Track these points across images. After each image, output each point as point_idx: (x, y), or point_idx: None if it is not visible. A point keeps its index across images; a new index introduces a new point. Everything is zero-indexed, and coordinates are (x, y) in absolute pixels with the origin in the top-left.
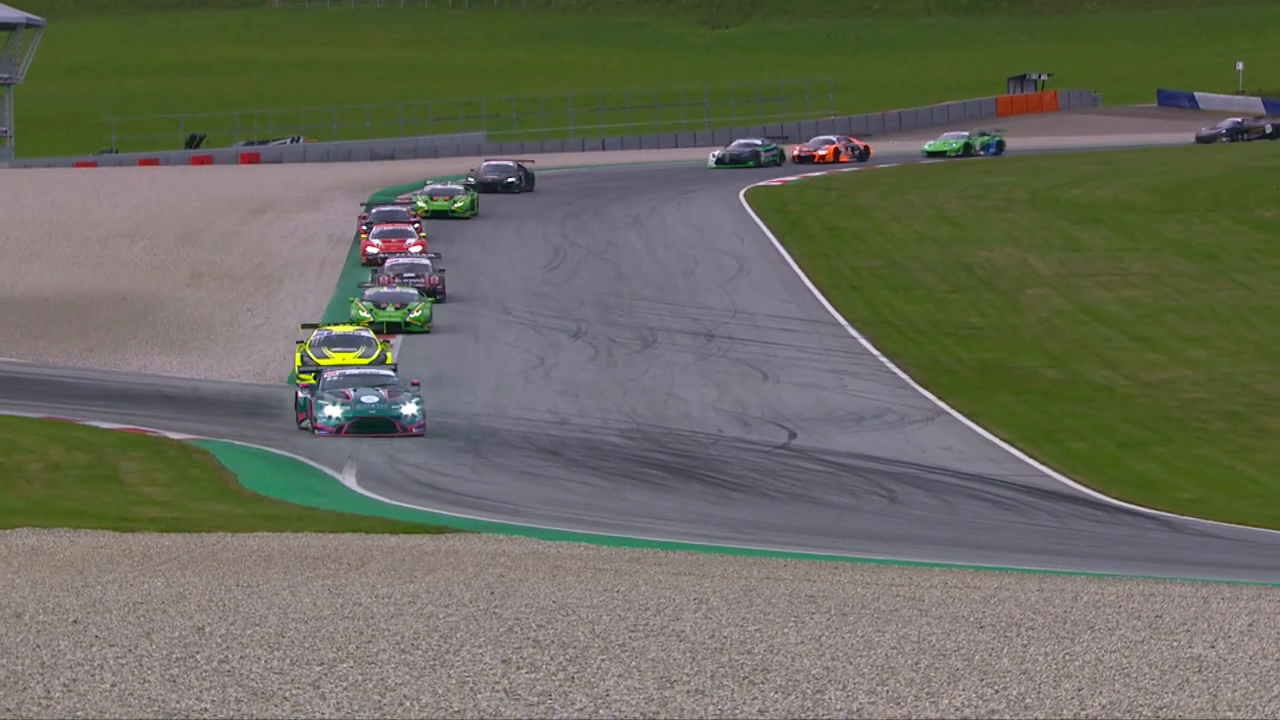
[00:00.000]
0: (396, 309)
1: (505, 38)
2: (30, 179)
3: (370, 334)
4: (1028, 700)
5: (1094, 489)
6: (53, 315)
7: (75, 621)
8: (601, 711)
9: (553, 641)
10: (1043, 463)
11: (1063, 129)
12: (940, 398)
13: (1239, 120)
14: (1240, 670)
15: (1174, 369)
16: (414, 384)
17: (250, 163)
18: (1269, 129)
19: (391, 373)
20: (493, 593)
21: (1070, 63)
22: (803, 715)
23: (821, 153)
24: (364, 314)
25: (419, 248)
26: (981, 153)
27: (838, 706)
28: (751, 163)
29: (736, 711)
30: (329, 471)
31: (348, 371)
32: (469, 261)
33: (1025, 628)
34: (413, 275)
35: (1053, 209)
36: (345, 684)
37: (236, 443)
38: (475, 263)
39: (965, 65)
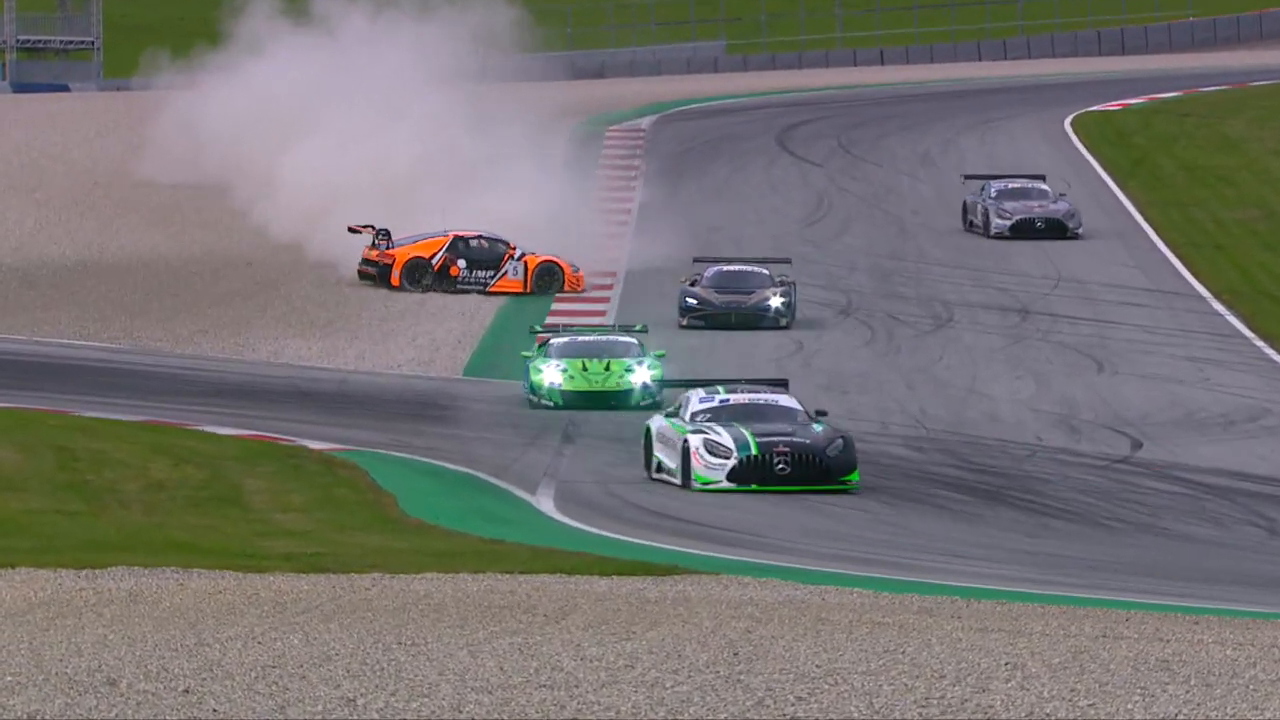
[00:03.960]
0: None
1: None
2: (125, 105)
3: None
4: None
5: None
6: (154, 286)
7: (186, 691)
8: None
9: None
10: None
11: None
12: None
13: None
14: None
15: None
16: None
17: None
18: None
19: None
20: (737, 654)
21: None
22: None
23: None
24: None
25: None
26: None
27: None
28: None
29: None
30: (518, 493)
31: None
32: (701, 212)
33: None
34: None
35: None
36: None
37: (396, 454)
38: (710, 215)
39: None
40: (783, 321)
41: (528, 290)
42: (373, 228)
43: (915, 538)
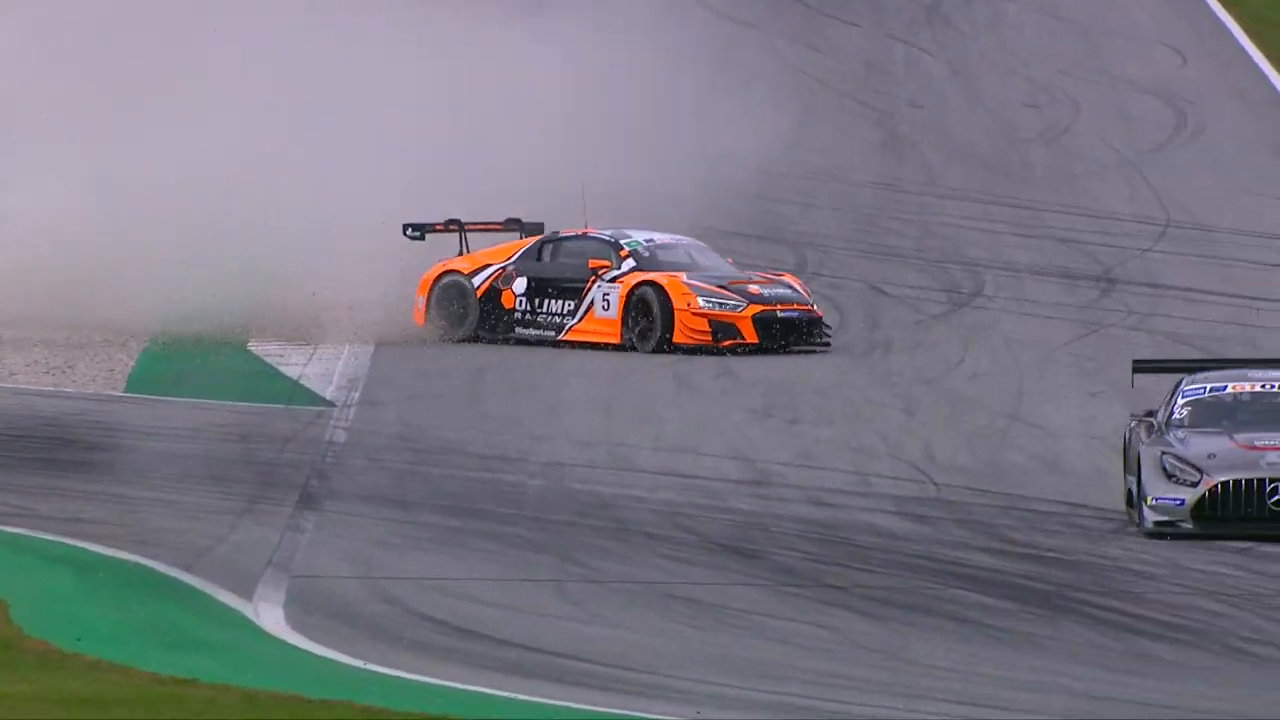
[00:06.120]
0: None
1: None
2: None
3: None
4: None
5: None
6: None
7: None
8: None
9: None
10: None
11: None
12: None
13: None
14: None
15: None
16: None
17: None
18: None
19: None
20: None
21: None
22: None
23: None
24: None
25: None
26: None
27: None
28: None
29: None
30: (222, 596)
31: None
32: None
33: None
34: None
35: None
36: None
37: (5, 529)
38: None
39: None
40: None
41: (621, 340)
42: (458, 223)
43: (918, 671)
